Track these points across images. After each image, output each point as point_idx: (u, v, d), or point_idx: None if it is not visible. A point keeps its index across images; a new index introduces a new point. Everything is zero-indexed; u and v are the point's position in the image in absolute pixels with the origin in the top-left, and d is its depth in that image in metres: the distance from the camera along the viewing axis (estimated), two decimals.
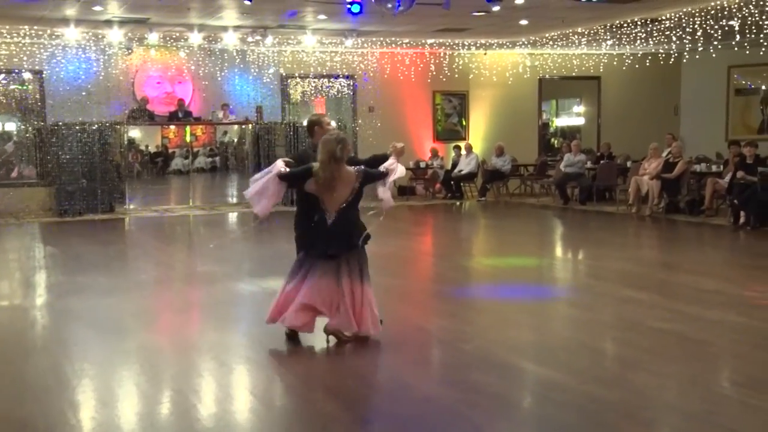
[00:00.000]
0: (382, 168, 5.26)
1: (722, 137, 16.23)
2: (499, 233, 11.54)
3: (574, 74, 17.45)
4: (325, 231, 5.10)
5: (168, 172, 16.24)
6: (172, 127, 15.60)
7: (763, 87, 16.39)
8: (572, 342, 5.42)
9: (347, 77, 16.08)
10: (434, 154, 16.51)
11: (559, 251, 9.90)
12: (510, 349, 5.12)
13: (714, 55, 15.10)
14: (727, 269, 8.15)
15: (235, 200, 15.08)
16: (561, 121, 20.17)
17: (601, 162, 14.80)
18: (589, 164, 14.99)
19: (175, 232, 11.66)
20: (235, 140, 16.15)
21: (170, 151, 16.31)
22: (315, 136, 5.42)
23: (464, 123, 17.21)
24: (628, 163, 14.78)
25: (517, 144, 16.64)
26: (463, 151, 16.13)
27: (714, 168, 12.76)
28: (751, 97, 16.51)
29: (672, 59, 16.75)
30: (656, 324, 5.65)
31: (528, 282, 7.36)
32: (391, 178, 5.21)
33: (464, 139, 16.91)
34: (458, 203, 15.36)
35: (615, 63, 17.16)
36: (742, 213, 10.94)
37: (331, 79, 15.89)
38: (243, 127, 15.29)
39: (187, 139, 15.39)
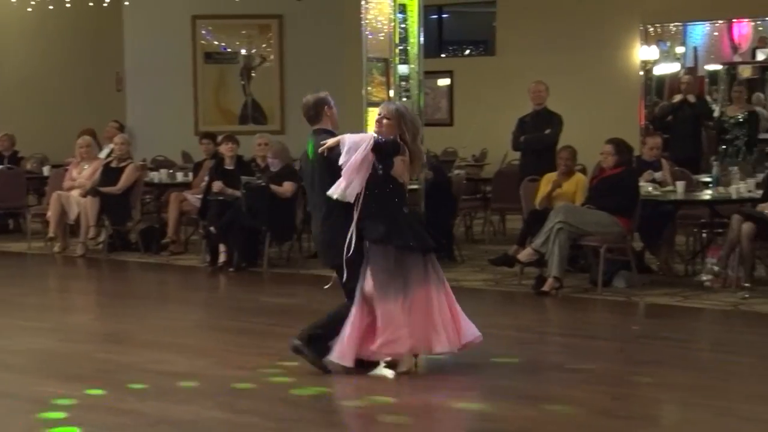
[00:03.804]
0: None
1: (191, 127, 17.50)
2: None
3: None
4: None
5: None
6: None
7: (244, 51, 18.14)
8: None
9: None
10: None
11: None
12: None
13: None
14: (201, 338, 8.73)
15: None
16: None
17: None
18: None
19: None
20: None
21: None
22: (323, 120, 7.21)
23: None
24: (45, 170, 14.95)
25: None
26: None
27: (181, 177, 13.65)
28: (227, 67, 18.12)
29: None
30: None
31: None
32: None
33: None
34: None
35: None
36: (222, 247, 11.88)
37: None
38: None
39: None
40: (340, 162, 6.83)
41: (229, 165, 12.07)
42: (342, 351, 6.92)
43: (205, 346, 8.27)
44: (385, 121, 7.04)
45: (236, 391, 6.74)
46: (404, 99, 10.87)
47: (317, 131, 7.17)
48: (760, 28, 17.62)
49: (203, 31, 17.86)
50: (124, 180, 12.85)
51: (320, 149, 6.96)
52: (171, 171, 13.93)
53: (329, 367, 6.98)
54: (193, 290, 11.26)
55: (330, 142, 6.96)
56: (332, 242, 7.04)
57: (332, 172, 6.92)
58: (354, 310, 6.96)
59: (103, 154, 13.83)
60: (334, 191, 6.87)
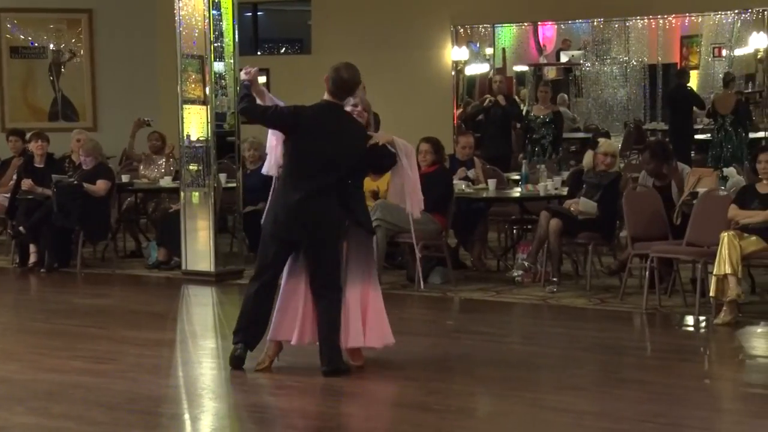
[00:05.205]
0: None
1: None
2: None
3: None
4: None
5: None
6: None
7: (52, 46, 17.70)
8: None
9: None
10: None
11: None
12: None
13: None
14: (10, 341, 8.50)
15: None
16: None
17: None
18: None
19: None
20: None
21: None
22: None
23: None
24: None
25: None
26: None
27: None
28: (35, 62, 17.65)
29: None
30: None
31: None
32: None
33: None
34: None
35: None
36: (32, 247, 11.59)
37: None
38: None
39: None
40: (402, 170, 7.25)
41: (38, 163, 11.87)
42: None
43: (15, 349, 8.07)
44: (358, 109, 7.23)
45: (49, 396, 6.61)
46: (222, 97, 10.82)
47: (345, 112, 7.14)
48: (564, 31, 18.23)
49: (9, 25, 17.33)
50: None
51: (372, 142, 7.12)
52: None
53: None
54: (1, 292, 10.97)
55: (383, 139, 7.19)
56: (331, 217, 6.99)
57: (368, 159, 7.18)
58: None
59: None
60: (417, 209, 7.55)
